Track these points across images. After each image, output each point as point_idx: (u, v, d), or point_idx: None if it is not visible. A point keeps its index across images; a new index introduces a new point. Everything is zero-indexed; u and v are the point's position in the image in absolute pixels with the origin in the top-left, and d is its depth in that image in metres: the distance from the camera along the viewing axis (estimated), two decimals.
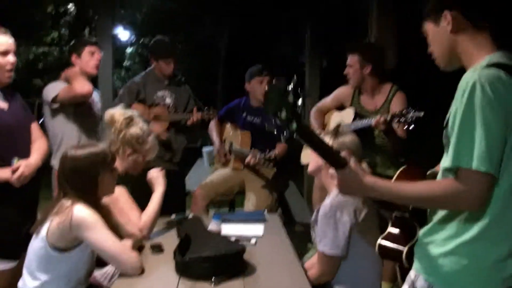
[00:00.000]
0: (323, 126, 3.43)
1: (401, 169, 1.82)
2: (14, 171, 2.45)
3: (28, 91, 9.43)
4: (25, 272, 2.05)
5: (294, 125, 1.33)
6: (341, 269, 2.17)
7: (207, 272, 1.93)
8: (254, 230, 2.63)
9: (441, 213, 1.48)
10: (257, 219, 2.86)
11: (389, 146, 3.11)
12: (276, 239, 2.52)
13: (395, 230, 1.77)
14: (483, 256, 1.39)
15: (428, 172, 1.69)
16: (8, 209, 2.50)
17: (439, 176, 1.53)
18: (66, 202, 1.99)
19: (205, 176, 3.92)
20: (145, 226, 2.37)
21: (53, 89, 3.17)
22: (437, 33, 1.51)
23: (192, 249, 2.05)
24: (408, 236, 1.67)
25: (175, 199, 3.53)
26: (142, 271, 2.03)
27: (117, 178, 2.23)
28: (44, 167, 2.72)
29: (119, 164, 2.39)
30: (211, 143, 4.05)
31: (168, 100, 3.74)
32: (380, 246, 1.78)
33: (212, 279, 1.90)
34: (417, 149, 3.52)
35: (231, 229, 2.60)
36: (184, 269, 1.98)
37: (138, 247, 2.27)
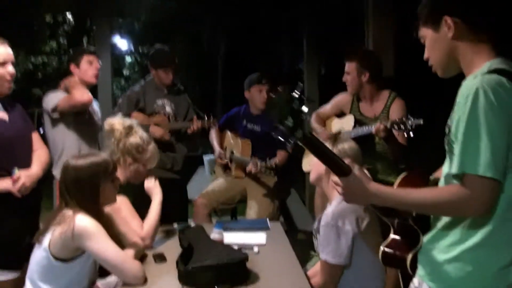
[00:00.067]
0: None
1: (402, 175, 1.82)
2: (15, 182, 2.44)
3: (27, 101, 9.45)
4: (27, 282, 2.04)
5: (300, 132, 1.34)
6: (344, 277, 2.17)
7: (210, 281, 1.92)
8: (256, 238, 2.63)
9: (444, 220, 1.47)
10: (259, 227, 2.86)
11: (389, 153, 3.11)
12: (278, 247, 2.52)
13: (397, 237, 1.76)
14: (487, 263, 1.38)
15: (431, 179, 1.69)
16: (10, 219, 2.49)
17: (441, 183, 1.53)
18: (68, 212, 1.98)
19: (207, 185, 3.92)
20: (147, 235, 2.36)
21: (53, 99, 3.17)
22: (437, 39, 1.50)
23: (194, 258, 2.04)
24: (411, 243, 1.66)
25: (177, 207, 3.54)
26: (145, 281, 2.03)
27: (118, 188, 2.23)
28: (45, 177, 2.72)
29: (120, 174, 2.39)
30: (212, 151, 4.05)
31: (168, 109, 3.75)
32: (383, 253, 1.78)
33: None
34: (416, 155, 3.51)
35: (233, 238, 2.59)
36: (187, 278, 1.98)
37: (141, 257, 2.27)
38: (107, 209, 2.19)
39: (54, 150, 3.20)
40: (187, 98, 3.90)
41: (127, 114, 3.49)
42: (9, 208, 2.48)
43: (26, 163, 2.59)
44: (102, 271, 2.16)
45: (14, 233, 2.48)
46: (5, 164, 2.49)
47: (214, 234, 2.44)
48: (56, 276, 1.99)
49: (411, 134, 2.72)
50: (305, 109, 1.36)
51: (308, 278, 2.16)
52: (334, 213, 2.15)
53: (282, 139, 1.49)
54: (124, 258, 2.01)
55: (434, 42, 1.51)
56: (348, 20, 8.13)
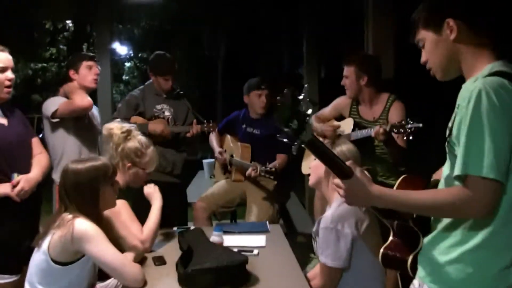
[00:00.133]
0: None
1: (401, 178, 1.82)
2: (14, 186, 2.45)
3: (27, 107, 9.46)
4: (27, 286, 2.04)
5: (306, 135, 1.34)
6: (344, 279, 2.16)
7: (210, 283, 1.92)
8: (256, 241, 2.63)
9: (445, 221, 1.47)
10: (259, 230, 2.86)
11: (389, 156, 3.11)
12: (278, 250, 2.52)
13: (397, 239, 1.75)
14: (488, 264, 1.38)
15: (431, 180, 1.69)
16: (9, 224, 2.49)
17: (441, 184, 1.53)
18: (68, 216, 1.98)
19: (206, 188, 3.92)
20: (147, 238, 2.36)
21: (53, 104, 3.18)
22: (438, 42, 1.49)
23: (194, 261, 2.04)
24: (411, 245, 1.66)
25: (177, 211, 3.54)
26: (144, 284, 2.02)
27: (118, 192, 2.23)
28: (45, 181, 2.72)
29: (120, 178, 2.39)
30: (211, 155, 4.06)
31: (167, 113, 3.75)
32: (383, 255, 1.77)
33: None
34: (416, 158, 3.50)
35: (233, 241, 2.59)
36: (186, 281, 1.98)
37: (140, 259, 2.26)
38: (107, 213, 2.18)
39: (54, 154, 3.20)
40: (187, 102, 3.90)
41: (126, 118, 3.49)
42: (9, 212, 2.48)
43: (25, 168, 2.59)
44: (102, 274, 2.16)
45: (14, 236, 2.48)
46: (4, 169, 2.50)
47: (214, 237, 2.44)
48: (55, 279, 1.98)
49: (411, 137, 2.73)
50: (310, 111, 1.36)
51: (308, 281, 2.16)
52: (333, 216, 2.14)
53: (288, 142, 1.49)
54: (123, 261, 2.01)
55: (435, 45, 1.50)
56: (348, 20, 8.14)
